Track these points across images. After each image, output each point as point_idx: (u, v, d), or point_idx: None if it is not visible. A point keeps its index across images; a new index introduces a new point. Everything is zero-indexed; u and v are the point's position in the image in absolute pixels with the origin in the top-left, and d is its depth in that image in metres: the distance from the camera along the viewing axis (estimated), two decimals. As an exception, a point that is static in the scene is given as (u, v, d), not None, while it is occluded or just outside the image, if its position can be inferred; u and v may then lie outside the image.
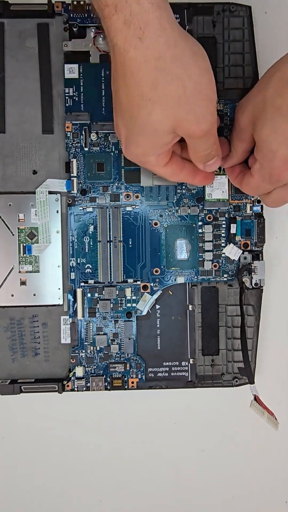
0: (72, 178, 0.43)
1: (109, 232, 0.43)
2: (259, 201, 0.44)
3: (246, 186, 0.39)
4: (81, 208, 0.43)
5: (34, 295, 0.43)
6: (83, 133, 0.43)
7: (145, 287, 0.43)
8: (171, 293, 0.44)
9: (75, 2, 0.42)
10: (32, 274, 0.43)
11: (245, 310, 0.43)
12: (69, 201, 0.43)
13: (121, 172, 0.43)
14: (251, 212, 0.44)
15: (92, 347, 0.43)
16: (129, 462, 0.47)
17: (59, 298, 0.43)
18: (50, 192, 0.43)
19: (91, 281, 0.43)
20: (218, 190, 0.41)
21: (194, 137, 0.32)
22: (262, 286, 0.44)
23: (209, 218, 0.43)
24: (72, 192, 0.43)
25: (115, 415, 0.46)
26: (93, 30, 0.42)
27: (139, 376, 0.44)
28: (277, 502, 0.48)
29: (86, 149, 0.43)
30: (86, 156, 0.43)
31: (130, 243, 0.43)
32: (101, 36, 0.42)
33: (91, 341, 0.43)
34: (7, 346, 0.43)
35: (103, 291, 0.43)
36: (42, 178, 0.43)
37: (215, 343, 0.44)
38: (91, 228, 0.43)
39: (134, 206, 0.43)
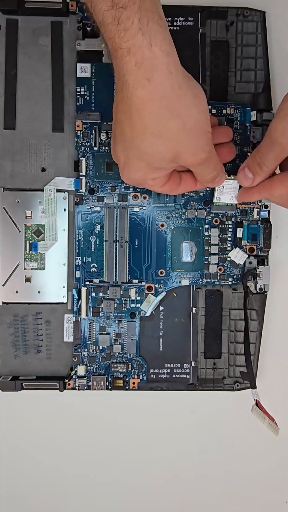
0: (80, 177, 0.43)
1: (116, 232, 0.43)
2: (266, 206, 0.44)
3: (278, 198, 0.38)
4: (89, 207, 0.43)
5: (39, 292, 0.43)
6: (93, 132, 0.43)
7: (149, 288, 0.44)
8: (175, 295, 0.44)
9: (89, 2, 0.42)
10: (37, 271, 0.43)
11: (248, 315, 0.43)
12: (77, 199, 0.43)
13: (130, 172, 0.43)
14: (258, 217, 0.44)
15: (94, 346, 0.43)
16: (129, 463, 0.47)
17: (63, 296, 0.43)
18: (58, 190, 0.43)
19: (96, 280, 0.43)
20: (227, 194, 0.41)
21: (194, 166, 0.36)
22: (267, 291, 0.44)
23: (216, 221, 0.44)
24: (80, 191, 0.43)
25: (115, 415, 0.46)
26: (106, 30, 0.42)
27: (141, 377, 0.44)
28: (277, 502, 0.48)
29: (95, 148, 0.43)
30: (95, 156, 0.43)
31: (136, 243, 0.43)
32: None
33: (94, 340, 0.43)
34: (9, 343, 0.43)
35: (108, 291, 0.43)
36: (50, 176, 0.43)
37: (218, 347, 0.44)
38: (98, 227, 0.43)
39: (141, 207, 0.43)
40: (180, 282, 0.44)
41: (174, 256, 0.44)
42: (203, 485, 0.47)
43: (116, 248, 0.43)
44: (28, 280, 0.43)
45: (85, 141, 0.43)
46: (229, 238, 0.44)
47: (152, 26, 0.29)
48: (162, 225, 0.43)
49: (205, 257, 0.44)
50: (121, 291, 0.43)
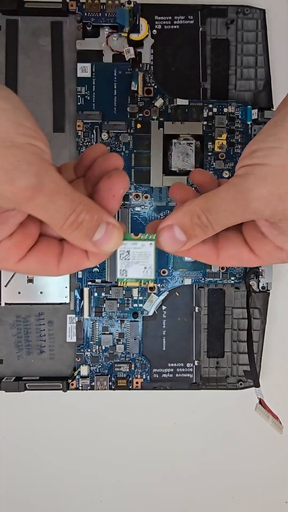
0: (81, 177, 0.43)
1: (118, 231, 0.43)
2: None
3: (266, 255, 0.26)
4: (90, 207, 0.43)
5: (41, 293, 0.43)
6: (94, 132, 0.43)
7: (152, 288, 0.43)
8: (177, 294, 0.44)
9: (89, 1, 0.42)
10: (40, 272, 0.43)
11: (251, 313, 0.43)
12: (78, 200, 0.43)
13: (131, 172, 0.43)
14: (260, 215, 0.43)
15: (97, 346, 0.43)
16: (132, 462, 0.47)
17: (65, 297, 0.43)
18: (59, 191, 0.43)
19: (98, 280, 0.43)
20: (137, 265, 0.27)
21: (29, 206, 0.22)
22: (269, 290, 0.44)
23: (218, 220, 0.43)
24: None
25: (118, 415, 0.46)
26: (106, 29, 0.42)
27: (144, 377, 0.44)
28: (277, 502, 0.48)
29: (96, 148, 0.43)
30: (96, 155, 0.43)
31: (138, 243, 0.43)
32: (114, 35, 0.42)
33: (97, 340, 0.43)
34: (12, 343, 0.43)
35: (110, 291, 0.43)
36: (52, 176, 0.43)
37: (221, 346, 0.44)
38: (100, 227, 0.43)
39: (143, 207, 0.43)
40: (182, 281, 0.44)
41: (176, 256, 0.44)
42: (205, 484, 0.47)
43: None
44: (30, 280, 0.43)
45: (86, 141, 0.43)
46: (231, 237, 0.44)
47: None
48: (164, 225, 0.43)
49: (207, 256, 0.44)
50: (124, 291, 0.43)
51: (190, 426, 0.47)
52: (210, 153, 0.43)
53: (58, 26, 0.42)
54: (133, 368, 0.44)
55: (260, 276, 0.43)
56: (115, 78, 0.43)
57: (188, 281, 0.44)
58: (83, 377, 0.43)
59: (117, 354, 0.44)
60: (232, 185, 0.24)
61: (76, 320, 0.43)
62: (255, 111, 0.43)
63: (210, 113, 0.43)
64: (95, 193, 0.25)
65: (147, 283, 0.27)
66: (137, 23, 0.42)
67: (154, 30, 0.43)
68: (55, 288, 0.43)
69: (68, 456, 0.47)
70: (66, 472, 0.47)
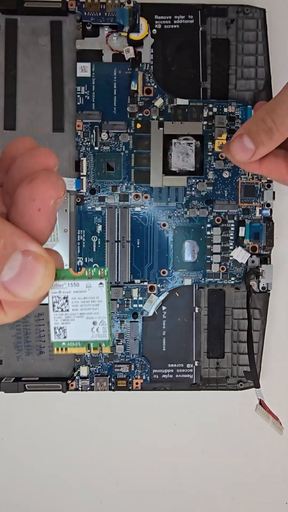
0: (81, 177, 0.43)
1: (117, 232, 0.43)
2: (268, 205, 0.43)
3: None
4: (90, 207, 0.43)
5: (41, 293, 0.43)
6: (94, 132, 0.42)
7: (151, 288, 0.43)
8: (177, 294, 0.44)
9: (89, 1, 0.41)
10: (39, 272, 0.43)
11: (251, 314, 0.43)
12: (78, 200, 0.43)
13: (131, 172, 0.43)
14: (260, 215, 0.43)
15: (97, 347, 0.43)
16: (132, 463, 0.47)
17: (65, 297, 0.43)
18: (59, 191, 0.43)
19: (98, 281, 0.43)
20: (77, 331, 0.19)
21: None
22: (269, 290, 0.44)
23: (218, 220, 0.43)
24: (81, 191, 0.43)
25: (118, 416, 0.46)
26: (106, 29, 0.42)
27: (144, 377, 0.44)
28: (277, 503, 0.48)
29: (96, 148, 0.43)
30: (96, 155, 0.43)
31: (138, 243, 0.43)
32: (114, 35, 0.42)
33: (97, 341, 0.43)
34: (12, 344, 0.43)
35: (110, 291, 0.43)
36: (51, 176, 0.43)
37: (221, 346, 0.44)
38: (99, 227, 0.43)
39: (143, 207, 0.43)
40: (182, 281, 0.43)
41: (176, 256, 0.43)
42: (205, 485, 0.47)
43: (118, 248, 0.43)
44: (30, 281, 0.43)
45: (85, 141, 0.43)
46: (231, 237, 0.44)
47: None
48: (164, 225, 0.43)
49: (207, 256, 0.43)
50: (123, 291, 0.43)
51: (190, 427, 0.47)
52: (210, 153, 0.43)
53: (58, 25, 0.42)
54: (133, 369, 0.44)
55: (260, 277, 0.43)
56: (115, 77, 0.42)
57: (188, 282, 0.43)
58: (83, 378, 0.43)
59: (117, 354, 0.43)
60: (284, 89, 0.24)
61: (76, 320, 0.43)
62: (255, 111, 0.42)
63: (210, 113, 0.43)
64: (12, 207, 0.17)
65: (99, 348, 0.18)
66: (137, 22, 0.42)
67: (154, 30, 0.43)
68: (55, 289, 0.43)
69: (67, 457, 0.47)
70: (65, 473, 0.47)
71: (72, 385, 0.43)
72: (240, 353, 0.44)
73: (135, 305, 0.43)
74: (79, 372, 0.43)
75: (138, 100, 0.43)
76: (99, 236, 0.43)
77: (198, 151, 0.43)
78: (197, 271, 0.44)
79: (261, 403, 0.41)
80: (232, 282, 0.44)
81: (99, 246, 0.43)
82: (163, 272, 0.43)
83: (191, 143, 0.42)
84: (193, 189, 0.43)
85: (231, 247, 0.44)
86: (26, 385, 0.42)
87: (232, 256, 0.43)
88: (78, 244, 0.43)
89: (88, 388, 0.43)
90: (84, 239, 0.43)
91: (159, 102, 0.42)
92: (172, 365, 0.44)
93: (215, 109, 0.43)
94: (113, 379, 0.43)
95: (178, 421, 0.47)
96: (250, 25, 0.43)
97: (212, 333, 0.44)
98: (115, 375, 0.43)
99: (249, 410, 0.42)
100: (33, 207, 0.17)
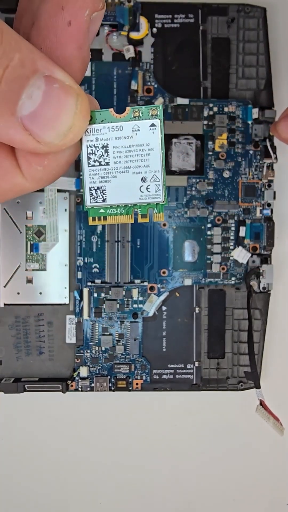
0: (81, 177, 0.42)
1: (117, 232, 0.43)
2: (269, 205, 0.43)
3: None
4: (90, 207, 0.43)
5: (40, 293, 0.43)
6: (94, 131, 0.42)
7: (152, 288, 0.43)
8: (178, 295, 0.44)
9: None
10: (39, 272, 0.43)
11: (252, 314, 0.43)
12: (78, 199, 0.43)
13: (131, 171, 0.43)
14: (261, 215, 0.43)
15: (97, 347, 0.43)
16: (132, 464, 0.47)
17: (65, 297, 0.43)
18: (58, 190, 0.43)
19: (98, 281, 0.43)
20: None
21: None
22: (270, 290, 0.43)
23: (218, 220, 0.43)
24: (81, 190, 0.43)
25: (118, 416, 0.46)
26: (106, 28, 0.42)
27: (144, 378, 0.43)
28: (278, 505, 0.47)
29: (96, 147, 0.42)
30: (96, 155, 0.42)
31: (138, 243, 0.43)
32: (114, 34, 0.42)
33: (96, 341, 0.43)
34: (11, 344, 0.43)
35: (110, 291, 0.43)
36: (51, 176, 0.43)
37: (221, 347, 0.44)
38: (99, 227, 0.43)
39: (143, 207, 0.43)
40: (182, 281, 0.43)
41: (177, 256, 0.43)
42: (206, 486, 0.47)
43: (118, 248, 0.43)
44: (29, 281, 0.43)
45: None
46: (231, 237, 0.43)
47: None
48: (164, 225, 0.43)
49: (208, 256, 0.43)
50: (124, 292, 0.43)
51: (191, 428, 0.47)
52: (210, 153, 0.43)
53: (58, 24, 0.42)
54: (133, 369, 0.43)
55: (261, 277, 0.43)
56: (115, 77, 0.42)
57: (188, 282, 0.43)
58: (83, 378, 0.43)
59: (117, 355, 0.43)
60: None
61: (76, 321, 0.43)
62: (256, 110, 0.42)
63: (211, 112, 0.43)
64: (34, 26, 0.12)
65: (148, 214, 0.13)
66: (137, 21, 0.42)
67: (154, 29, 0.42)
68: (55, 289, 0.43)
69: (67, 458, 0.46)
70: (65, 473, 0.47)
71: (72, 386, 0.43)
72: (240, 353, 0.44)
73: (135, 305, 0.43)
74: (79, 372, 0.43)
75: (138, 99, 0.42)
76: (99, 236, 0.43)
77: (199, 150, 0.43)
78: (197, 271, 0.43)
79: (261, 403, 0.41)
80: (233, 282, 0.43)
81: (99, 246, 0.43)
82: (163, 272, 0.43)
83: (192, 143, 0.42)
84: (193, 189, 0.43)
85: (231, 247, 0.43)
86: (25, 386, 0.42)
87: (232, 256, 0.43)
88: (78, 244, 0.43)
89: (88, 389, 0.43)
90: (84, 239, 0.43)
91: (159, 102, 0.42)
92: (172, 366, 0.44)
93: (215, 109, 0.43)
94: (113, 380, 0.43)
95: (178, 422, 0.46)
96: (250, 24, 0.43)
97: (213, 333, 0.44)
98: (115, 375, 0.43)
99: (249, 411, 0.42)
100: (61, 19, 0.12)
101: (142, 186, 0.13)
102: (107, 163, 0.13)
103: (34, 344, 0.43)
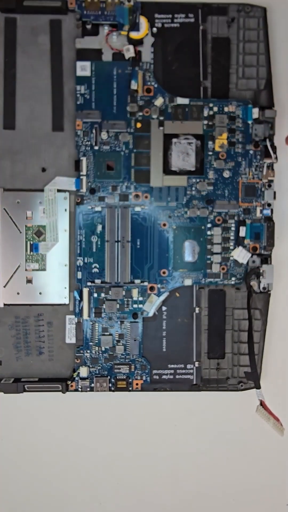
0: (81, 177, 0.42)
1: (117, 232, 0.43)
2: (269, 205, 0.43)
3: None
4: (90, 207, 0.43)
5: (40, 293, 0.43)
6: (94, 131, 0.42)
7: (152, 288, 0.43)
8: (178, 295, 0.44)
9: (88, -1, 0.41)
10: (39, 272, 0.43)
11: (252, 314, 0.43)
12: (78, 199, 0.43)
13: (131, 171, 0.43)
14: (261, 215, 0.43)
15: (97, 348, 0.43)
16: (132, 463, 0.47)
17: (65, 297, 0.43)
18: (58, 190, 0.43)
19: (98, 281, 0.43)
20: None
21: None
22: (270, 290, 0.43)
23: (218, 220, 0.43)
24: (81, 190, 0.43)
25: (118, 416, 0.46)
26: (106, 28, 0.42)
27: (144, 378, 0.43)
28: (278, 505, 0.47)
29: (96, 147, 0.42)
30: (96, 155, 0.42)
31: (138, 243, 0.43)
32: (114, 34, 0.42)
33: (96, 341, 0.43)
34: (11, 345, 0.43)
35: (110, 291, 0.43)
36: (51, 176, 0.43)
37: (221, 347, 0.44)
38: (99, 227, 0.43)
39: (143, 207, 0.43)
40: (182, 282, 0.43)
41: (177, 256, 0.43)
42: (206, 486, 0.47)
43: (117, 248, 0.43)
44: (29, 281, 0.43)
45: (85, 140, 0.42)
46: (232, 237, 0.43)
47: None
48: (164, 225, 0.43)
49: (208, 256, 0.43)
50: (123, 292, 0.43)
51: (191, 428, 0.47)
52: (210, 153, 0.43)
53: (57, 24, 0.42)
54: (133, 370, 0.43)
55: (261, 277, 0.43)
56: (115, 76, 0.42)
57: (188, 282, 0.43)
58: (83, 379, 0.43)
59: (117, 355, 0.43)
60: None
61: (76, 321, 0.43)
62: (256, 110, 0.42)
63: (211, 112, 0.43)
64: None
65: None
66: (137, 21, 0.41)
67: (154, 29, 0.42)
68: (55, 289, 0.43)
69: (67, 458, 0.46)
70: (65, 473, 0.47)
71: (71, 386, 0.43)
72: (240, 353, 0.44)
73: (135, 305, 0.43)
74: (78, 372, 0.43)
75: (138, 99, 0.42)
76: (99, 236, 0.43)
77: (199, 150, 0.43)
78: (197, 271, 0.43)
79: (261, 404, 0.41)
80: (233, 282, 0.43)
81: (99, 246, 0.43)
82: (163, 272, 0.43)
83: (192, 143, 0.42)
84: (193, 188, 0.43)
85: (231, 247, 0.43)
86: (25, 386, 0.42)
87: (232, 256, 0.43)
88: (78, 244, 0.43)
89: (88, 389, 0.43)
90: (84, 239, 0.43)
91: (159, 101, 0.42)
92: (172, 366, 0.44)
93: (215, 109, 0.43)
94: (113, 380, 0.43)
95: (178, 422, 0.46)
96: (251, 24, 0.43)
97: (213, 333, 0.44)
98: (115, 375, 0.43)
99: (249, 411, 0.42)
100: None
101: None
102: None
103: (34, 344, 0.43)
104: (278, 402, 0.43)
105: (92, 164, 0.42)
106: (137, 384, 0.43)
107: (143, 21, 0.42)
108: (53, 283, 0.43)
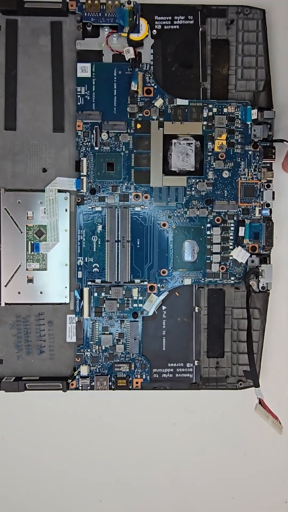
0: (81, 177, 0.43)
1: (118, 232, 0.43)
2: (268, 205, 0.43)
3: None
4: (90, 207, 0.43)
5: (41, 293, 0.43)
6: (94, 132, 0.43)
7: (152, 288, 0.43)
8: (177, 294, 0.44)
9: (89, 1, 0.41)
10: (40, 272, 0.43)
11: (251, 313, 0.43)
12: (78, 200, 0.43)
13: (131, 172, 0.43)
14: (260, 215, 0.44)
15: (97, 347, 0.43)
16: (132, 462, 0.47)
17: (65, 297, 0.43)
18: (59, 191, 0.43)
19: (98, 281, 0.43)
20: None
21: None
22: (269, 290, 0.44)
23: (218, 220, 0.43)
24: (81, 191, 0.43)
25: (118, 415, 0.46)
26: (106, 29, 0.42)
27: (144, 377, 0.44)
28: (277, 502, 0.48)
29: (96, 148, 0.43)
30: (96, 155, 0.43)
31: (138, 243, 0.43)
32: (114, 35, 0.42)
33: (97, 340, 0.43)
34: (12, 344, 0.43)
35: (110, 291, 0.43)
36: (51, 176, 0.43)
37: (221, 346, 0.44)
38: (100, 227, 0.43)
39: (143, 207, 0.43)
40: (182, 281, 0.44)
41: (176, 256, 0.44)
42: (205, 484, 0.47)
43: (118, 248, 0.43)
44: (30, 280, 0.43)
45: (86, 141, 0.43)
46: (231, 237, 0.44)
47: None
48: (164, 225, 0.43)
49: (207, 256, 0.44)
50: (123, 291, 0.43)
51: (190, 426, 0.47)
52: (210, 153, 0.43)
53: (58, 26, 0.42)
54: (133, 368, 0.44)
55: (260, 276, 0.43)
56: (115, 78, 0.43)
57: (188, 281, 0.44)
58: (83, 377, 0.43)
59: (117, 354, 0.44)
60: None
61: (76, 320, 0.43)
62: (255, 111, 0.43)
63: (210, 113, 0.43)
64: None
65: None
66: (137, 23, 0.42)
67: (154, 30, 0.43)
68: (55, 288, 0.43)
69: (67, 456, 0.47)
70: (65, 472, 0.47)
71: (72, 385, 0.43)
72: (239, 352, 0.44)
73: (135, 305, 0.43)
74: (79, 371, 0.43)
75: (138, 100, 0.43)
76: (99, 236, 0.43)
77: (198, 151, 0.43)
78: (197, 271, 0.44)
79: (260, 402, 0.41)
80: (232, 281, 0.44)
81: (99, 246, 0.43)
82: (163, 272, 0.44)
83: (191, 143, 0.43)
84: (193, 189, 0.43)
85: (231, 247, 0.44)
86: (26, 385, 0.42)
87: (232, 256, 0.44)
88: (78, 243, 0.43)
89: (88, 388, 0.43)
90: (84, 239, 0.43)
91: (159, 102, 0.43)
92: (172, 365, 0.44)
93: (215, 110, 0.43)
94: (113, 379, 0.43)
95: (178, 421, 0.47)
96: (250, 26, 0.43)
97: (212, 332, 0.44)
98: (115, 374, 0.44)
99: (248, 410, 0.42)
100: None
101: None
102: None
103: (34, 343, 0.44)
104: (277, 400, 0.43)
105: (92, 165, 0.43)
106: (137, 382, 0.44)
107: (143, 23, 0.42)
108: (54, 283, 0.43)
